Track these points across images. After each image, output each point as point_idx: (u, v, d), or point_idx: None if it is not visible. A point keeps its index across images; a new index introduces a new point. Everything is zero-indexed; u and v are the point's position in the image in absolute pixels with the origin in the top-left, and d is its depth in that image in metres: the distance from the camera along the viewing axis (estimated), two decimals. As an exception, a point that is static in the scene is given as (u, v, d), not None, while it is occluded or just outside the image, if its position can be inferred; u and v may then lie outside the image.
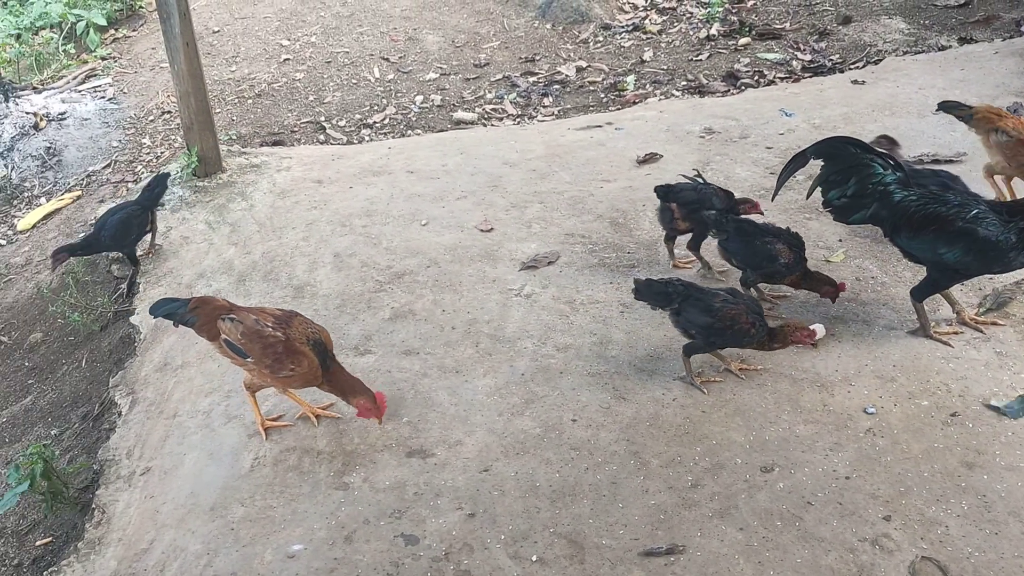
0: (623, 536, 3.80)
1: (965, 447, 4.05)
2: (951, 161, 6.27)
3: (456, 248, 5.91)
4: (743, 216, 5.18)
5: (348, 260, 5.89)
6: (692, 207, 5.28)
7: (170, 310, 4.44)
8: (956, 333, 4.72)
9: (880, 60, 8.45)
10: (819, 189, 4.84)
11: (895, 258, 5.31)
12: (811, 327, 4.48)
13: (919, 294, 4.72)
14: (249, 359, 4.20)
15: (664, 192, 5.38)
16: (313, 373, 4.16)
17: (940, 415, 4.23)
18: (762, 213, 5.28)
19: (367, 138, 8.37)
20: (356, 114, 8.81)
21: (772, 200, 5.22)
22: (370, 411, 4.19)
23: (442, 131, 8.30)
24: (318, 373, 4.17)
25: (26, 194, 8.31)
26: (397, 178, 6.96)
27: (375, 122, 8.64)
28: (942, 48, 8.48)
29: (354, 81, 9.43)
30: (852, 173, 4.71)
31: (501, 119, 8.53)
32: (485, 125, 8.42)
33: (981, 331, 4.73)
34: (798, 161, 4.81)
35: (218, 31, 10.55)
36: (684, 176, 5.55)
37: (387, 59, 9.80)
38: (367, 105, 8.96)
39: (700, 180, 5.40)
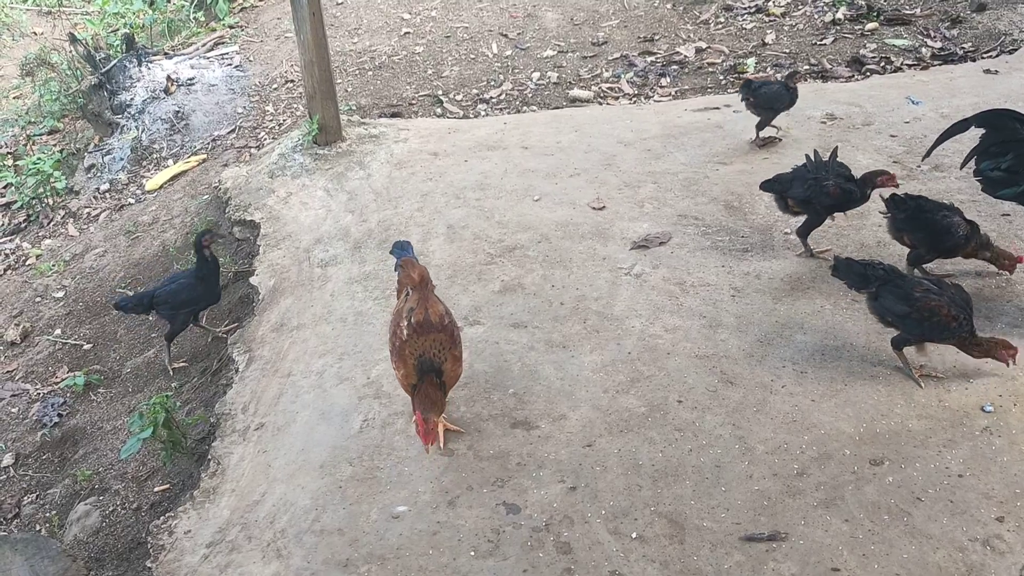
0: (725, 519, 3.78)
1: (1088, 452, 3.91)
2: (1088, 156, 5.99)
3: (567, 225, 5.93)
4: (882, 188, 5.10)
5: (461, 232, 5.97)
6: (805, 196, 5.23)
7: (397, 254, 4.57)
8: (1086, 335, 4.54)
9: (1015, 50, 8.12)
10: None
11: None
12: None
13: None
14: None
15: (770, 188, 5.41)
16: (406, 385, 4.08)
17: (1063, 418, 4.09)
18: (897, 185, 5.17)
19: (483, 113, 8.43)
20: (473, 89, 8.88)
21: (923, 160, 5.25)
22: (419, 427, 3.91)
23: (557, 108, 8.31)
24: (408, 389, 4.07)
25: (154, 155, 8.64)
26: (511, 153, 7.01)
27: (491, 97, 8.70)
28: (1084, 38, 8.11)
29: (472, 56, 9.50)
30: (1012, 148, 4.66)
31: (617, 98, 8.49)
32: (601, 103, 8.40)
33: (1113, 334, 4.54)
34: (959, 127, 4.81)
35: (341, 3, 10.77)
36: (806, 157, 5.45)
37: (505, 35, 9.84)
38: (484, 80, 9.02)
39: (822, 160, 5.31)
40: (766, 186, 5.44)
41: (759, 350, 4.68)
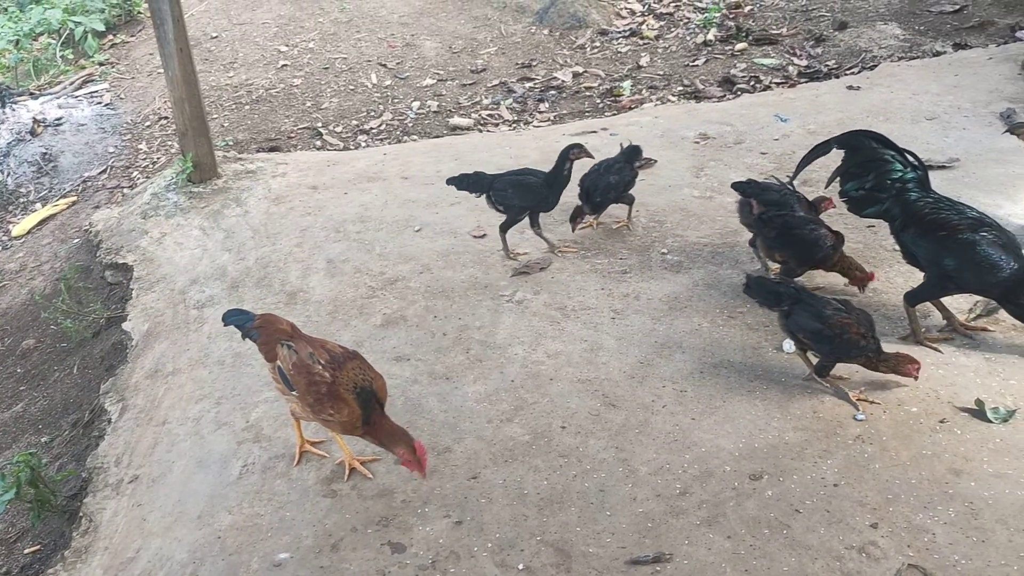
0: (610, 544, 3.79)
1: (953, 454, 4.03)
2: (944, 167, 6.26)
3: (449, 254, 5.91)
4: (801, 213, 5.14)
5: (341, 266, 5.89)
6: (774, 205, 5.24)
7: (238, 321, 4.33)
8: (946, 339, 4.71)
9: (875, 66, 8.45)
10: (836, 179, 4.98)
11: (886, 264, 5.32)
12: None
13: (913, 299, 4.72)
14: (294, 392, 4.05)
15: (743, 188, 5.40)
16: (352, 422, 3.93)
17: (929, 421, 4.22)
18: (835, 206, 5.32)
19: (363, 144, 8.37)
20: (353, 120, 8.82)
21: (792, 179, 5.31)
22: (411, 463, 3.84)
23: (438, 137, 8.31)
24: (358, 424, 3.91)
25: (21, 200, 8.32)
26: (392, 184, 6.96)
27: (372, 128, 8.65)
28: (937, 54, 8.48)
29: (351, 87, 9.44)
30: (872, 168, 4.78)
31: (497, 125, 8.53)
32: (481, 131, 8.42)
33: (971, 337, 4.72)
34: (821, 149, 4.94)
35: (216, 37, 10.57)
36: (774, 177, 5.57)
37: (384, 65, 9.81)
38: (364, 111, 8.97)
39: (790, 186, 5.40)
40: (739, 186, 5.43)
41: (640, 371, 4.73)
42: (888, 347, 4.39)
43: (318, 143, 8.43)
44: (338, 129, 8.66)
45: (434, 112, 8.86)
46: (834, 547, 3.68)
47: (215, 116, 8.89)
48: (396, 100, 9.12)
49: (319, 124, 8.73)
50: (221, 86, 9.55)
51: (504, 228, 5.77)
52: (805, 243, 4.96)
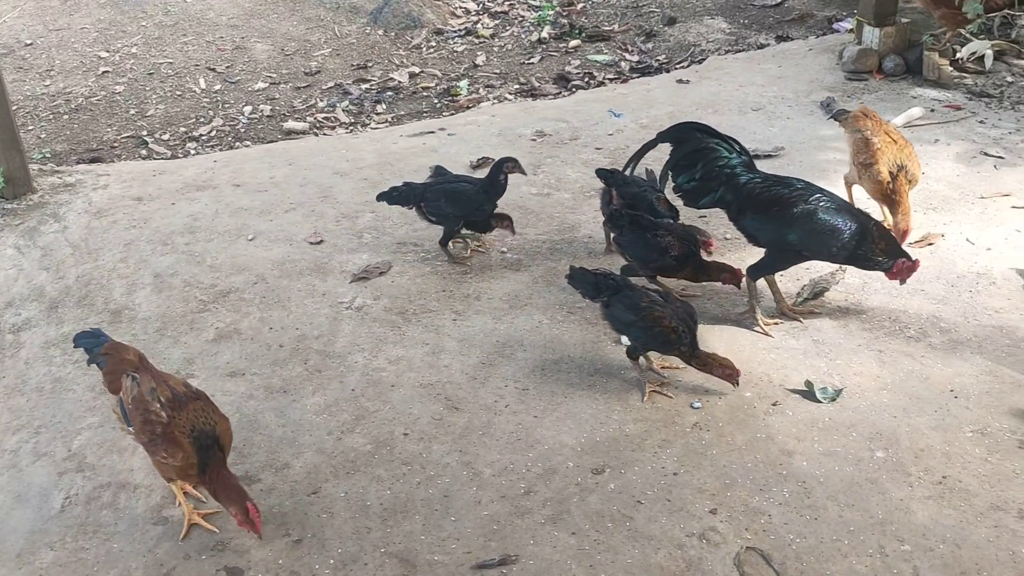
0: (456, 550, 3.73)
1: (786, 435, 4.15)
2: (770, 156, 6.47)
3: (284, 262, 5.73)
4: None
5: (169, 280, 5.63)
6: (631, 199, 5.25)
7: (87, 345, 4.03)
8: (776, 323, 4.85)
9: (703, 59, 8.69)
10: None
11: (718, 254, 5.43)
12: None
13: (756, 273, 4.82)
14: (131, 428, 3.79)
15: (606, 176, 5.41)
16: (187, 469, 3.68)
17: (762, 405, 4.33)
18: (711, 253, 5.22)
19: (193, 152, 8.06)
20: (181, 127, 8.48)
21: (624, 172, 5.30)
22: (244, 523, 3.60)
23: (271, 142, 8.07)
24: (193, 472, 3.68)
25: None
26: (222, 192, 6.70)
27: (201, 135, 8.34)
28: (761, 46, 8.79)
29: (178, 93, 9.08)
30: (699, 157, 4.83)
31: (333, 128, 8.37)
32: (317, 134, 8.24)
33: (799, 320, 4.87)
34: (649, 145, 4.97)
35: (31, 44, 10.02)
36: (647, 171, 5.56)
37: (213, 69, 9.49)
38: (192, 117, 8.64)
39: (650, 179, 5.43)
40: (602, 173, 5.44)
41: (482, 372, 4.68)
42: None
43: (144, 152, 8.07)
44: (165, 137, 8.31)
45: (267, 116, 8.61)
46: (676, 535, 3.72)
47: (31, 127, 8.42)
48: (227, 105, 8.83)
49: (144, 132, 8.36)
50: (37, 95, 9.04)
51: (443, 243, 5.59)
52: (647, 247, 4.93)
